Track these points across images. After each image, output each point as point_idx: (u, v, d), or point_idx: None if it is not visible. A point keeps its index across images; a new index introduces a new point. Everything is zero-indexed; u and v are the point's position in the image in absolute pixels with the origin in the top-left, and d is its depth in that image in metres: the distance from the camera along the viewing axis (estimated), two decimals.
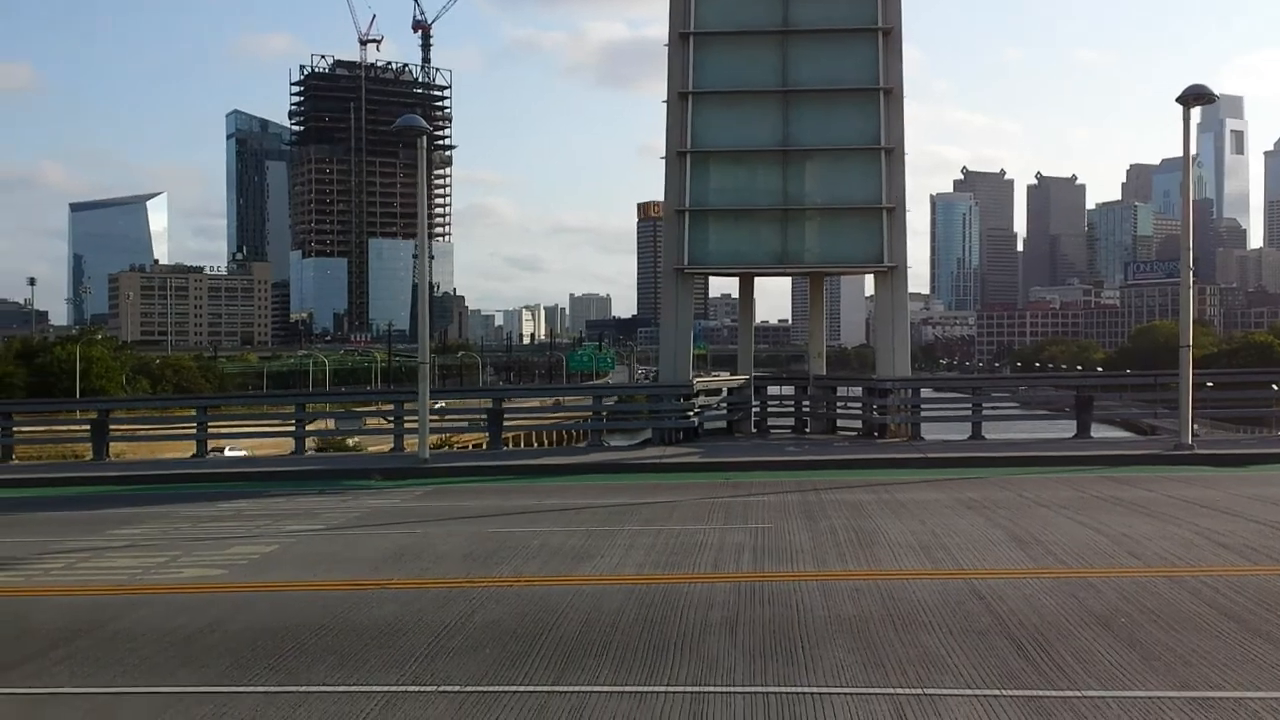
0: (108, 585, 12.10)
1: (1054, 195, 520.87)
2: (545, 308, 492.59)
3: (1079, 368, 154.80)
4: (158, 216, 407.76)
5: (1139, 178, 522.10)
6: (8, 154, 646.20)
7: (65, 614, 10.64)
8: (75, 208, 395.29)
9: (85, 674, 8.53)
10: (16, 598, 11.64)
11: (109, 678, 8.40)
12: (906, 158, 28.89)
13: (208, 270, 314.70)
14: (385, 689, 7.91)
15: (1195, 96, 22.40)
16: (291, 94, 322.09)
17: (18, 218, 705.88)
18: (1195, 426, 23.93)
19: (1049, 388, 40.62)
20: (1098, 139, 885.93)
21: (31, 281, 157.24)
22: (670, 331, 29.72)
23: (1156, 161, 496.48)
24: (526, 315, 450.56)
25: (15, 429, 28.91)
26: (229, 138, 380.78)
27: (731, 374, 35.24)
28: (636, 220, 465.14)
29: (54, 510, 19.43)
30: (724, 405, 30.61)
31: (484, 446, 31.69)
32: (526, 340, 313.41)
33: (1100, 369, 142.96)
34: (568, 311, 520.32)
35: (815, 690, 7.61)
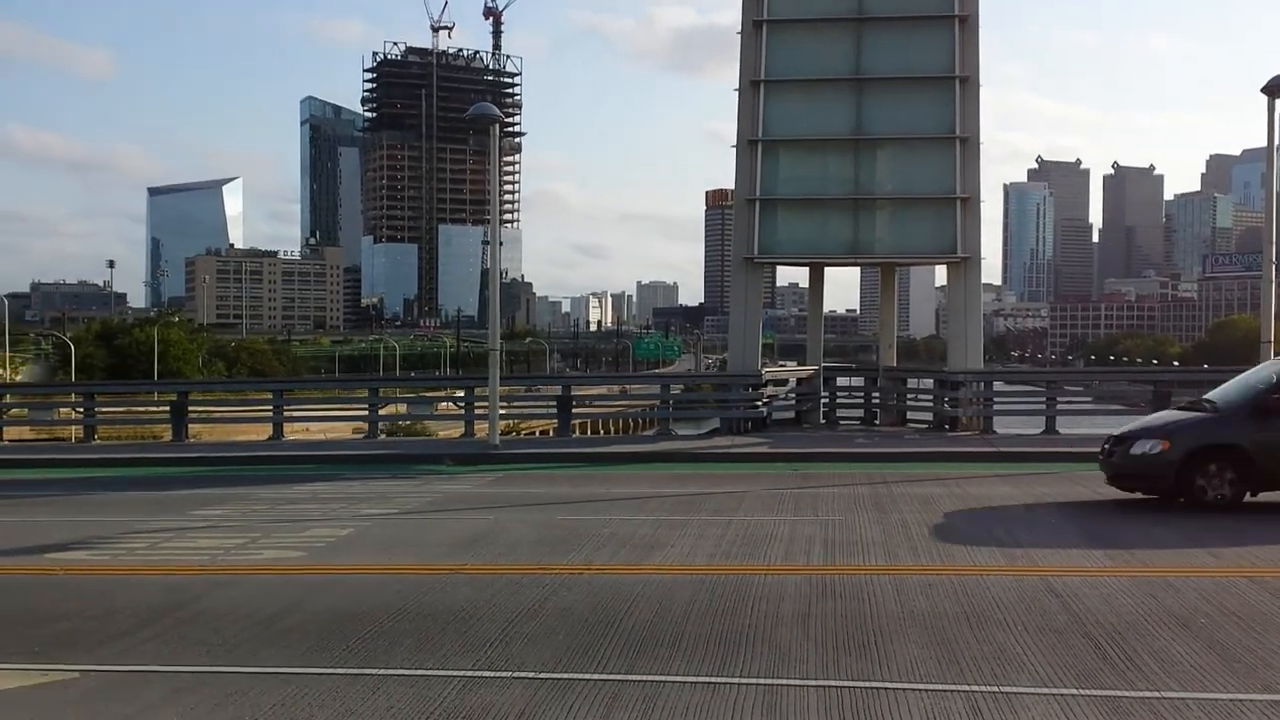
0: (190, 565, 12.38)
1: (1130, 185, 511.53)
2: (612, 295, 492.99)
3: (1154, 362, 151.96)
4: (233, 201, 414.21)
5: (1219, 168, 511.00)
6: (88, 139, 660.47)
7: (150, 593, 10.91)
8: (153, 192, 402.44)
9: (170, 653, 8.75)
10: (103, 576, 11.95)
11: (193, 657, 8.61)
12: (980, 147, 28.55)
13: (281, 255, 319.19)
14: (462, 673, 8.03)
15: None
16: (364, 80, 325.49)
17: (97, 201, 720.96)
18: None
19: (1124, 382, 39.93)
20: (1176, 128, 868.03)
21: (111, 264, 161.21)
22: (739, 321, 29.65)
23: (1237, 152, 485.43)
24: (593, 302, 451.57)
25: (98, 410, 29.58)
26: (303, 124, 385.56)
27: (799, 364, 35.09)
28: (704, 208, 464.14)
29: (136, 490, 19.87)
30: (792, 395, 30.49)
31: (552, 433, 31.90)
32: (593, 327, 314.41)
33: (1176, 363, 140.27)
34: (634, 299, 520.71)
35: (889, 685, 7.61)
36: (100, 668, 8.36)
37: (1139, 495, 15.78)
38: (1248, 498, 15.00)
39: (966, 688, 7.53)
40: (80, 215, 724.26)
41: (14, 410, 32.75)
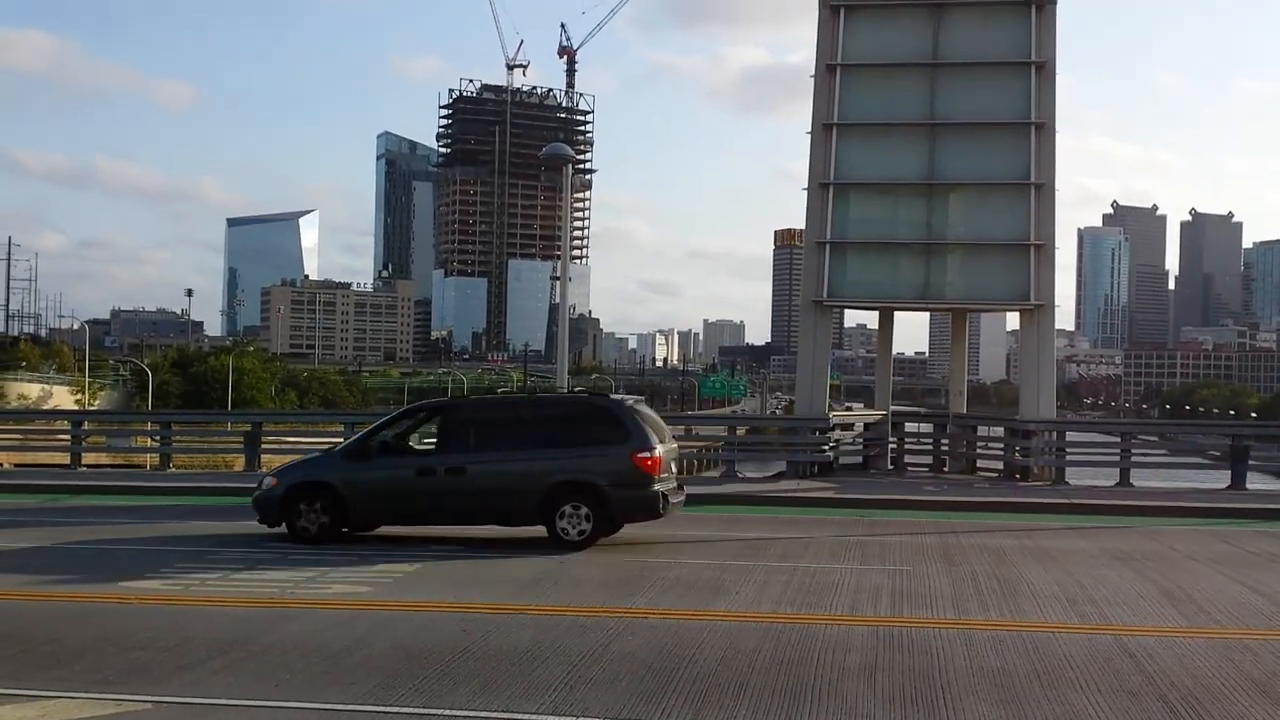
0: (260, 598, 12.53)
1: (1209, 232, 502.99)
2: (679, 332, 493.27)
3: (1231, 412, 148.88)
4: (309, 233, 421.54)
5: None
6: (170, 170, 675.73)
7: (220, 625, 11.06)
8: (231, 223, 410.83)
9: (240, 685, 8.85)
10: (175, 606, 12.12)
11: (263, 691, 8.70)
12: (1056, 192, 28.28)
13: (355, 286, 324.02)
14: (527, 716, 8.03)
15: None
16: (440, 116, 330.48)
17: (177, 230, 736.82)
18: None
19: (1209, 434, 39.11)
20: (1257, 173, 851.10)
21: (189, 293, 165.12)
22: (807, 364, 29.53)
23: None
24: (660, 339, 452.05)
25: (174, 438, 30.13)
26: (379, 158, 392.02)
27: (866, 406, 34.84)
28: (773, 247, 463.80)
29: (208, 520, 20.16)
30: (860, 440, 30.27)
31: None
32: (659, 364, 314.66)
33: (1254, 415, 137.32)
34: (701, 337, 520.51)
35: None
36: (171, 699, 8.47)
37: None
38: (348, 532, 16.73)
39: None
40: (161, 244, 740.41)
41: (92, 437, 33.44)
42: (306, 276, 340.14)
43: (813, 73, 29.29)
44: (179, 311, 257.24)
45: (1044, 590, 13.16)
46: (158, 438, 30.28)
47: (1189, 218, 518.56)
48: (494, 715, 8.08)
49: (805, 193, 29.23)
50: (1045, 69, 27.94)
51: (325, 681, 8.98)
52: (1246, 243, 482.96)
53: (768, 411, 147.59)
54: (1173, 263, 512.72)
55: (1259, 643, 10.52)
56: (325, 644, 10.21)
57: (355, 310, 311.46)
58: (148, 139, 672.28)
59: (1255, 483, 27.16)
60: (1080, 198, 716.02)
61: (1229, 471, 25.69)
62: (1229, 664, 9.69)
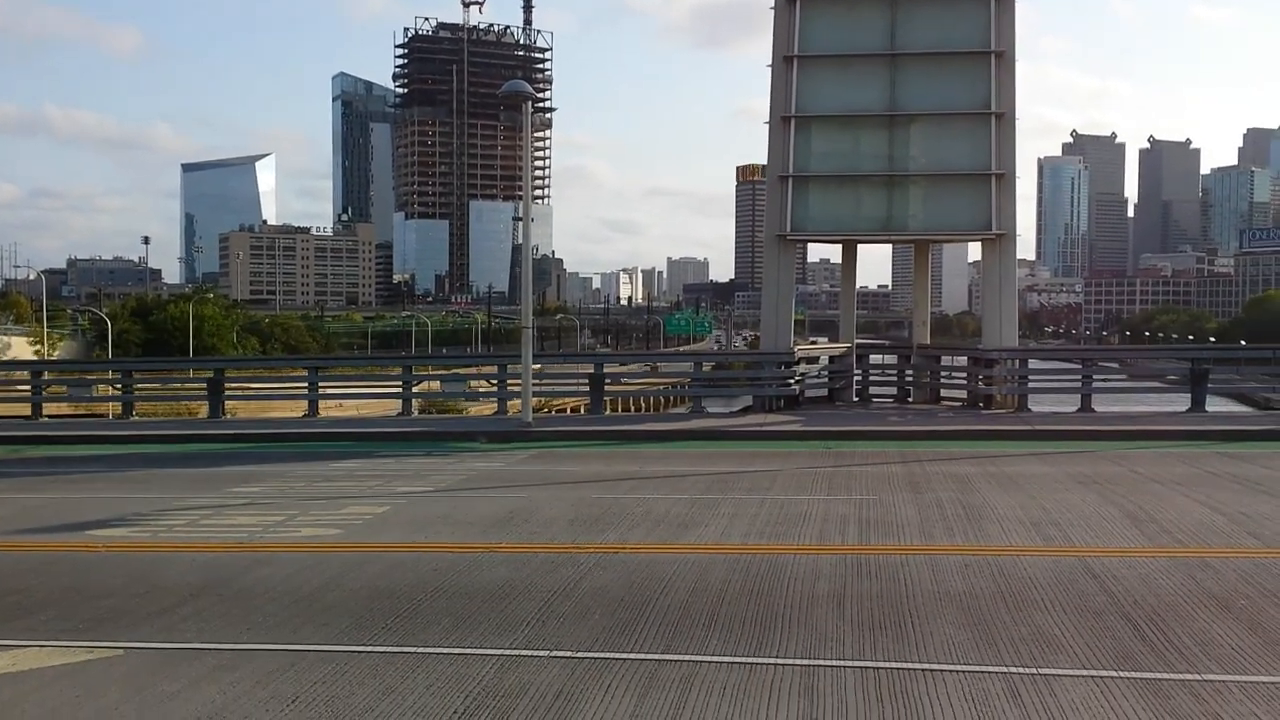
0: (229, 543, 12.50)
1: (1167, 160, 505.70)
2: (643, 271, 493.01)
3: (1190, 338, 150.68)
4: (265, 177, 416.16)
5: (1256, 142, 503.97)
6: (121, 116, 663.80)
7: (190, 570, 11.03)
8: (187, 168, 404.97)
9: (212, 630, 8.85)
10: (144, 553, 12.08)
11: (235, 634, 8.71)
12: (1015, 122, 28.27)
13: (314, 231, 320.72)
14: (499, 652, 8.07)
15: None
16: (396, 56, 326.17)
17: (131, 177, 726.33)
18: None
19: (1168, 359, 39.57)
20: (1213, 101, 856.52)
21: (146, 241, 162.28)
22: (771, 299, 29.55)
23: (1276, 125, 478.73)
24: (624, 278, 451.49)
25: (136, 386, 29.87)
26: (334, 100, 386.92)
27: (831, 340, 34.98)
28: (735, 183, 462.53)
29: (175, 467, 20.07)
30: (825, 373, 30.42)
31: (584, 410, 31.96)
32: (624, 303, 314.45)
33: (1213, 339, 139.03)
34: (665, 275, 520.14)
35: (927, 667, 7.59)
36: (143, 645, 8.46)
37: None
38: None
39: (1005, 669, 7.51)
40: (116, 192, 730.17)
41: (53, 387, 33.09)
42: (265, 221, 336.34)
43: (772, 5, 29.03)
44: (136, 260, 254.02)
45: (1008, 515, 13.33)
46: (119, 386, 29.99)
47: (1147, 145, 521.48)
48: (467, 651, 8.11)
49: (767, 128, 29.10)
50: None
51: (298, 623, 8.99)
52: (1204, 169, 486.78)
53: (733, 346, 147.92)
54: (1132, 190, 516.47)
55: (1220, 560, 10.71)
56: (296, 587, 10.21)
57: (315, 255, 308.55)
58: (97, 86, 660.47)
59: (1214, 405, 27.56)
60: (1040, 128, 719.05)
61: (1188, 395, 26.04)
62: (1191, 582, 9.86)
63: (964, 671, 7.49)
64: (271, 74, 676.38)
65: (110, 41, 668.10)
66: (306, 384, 28.82)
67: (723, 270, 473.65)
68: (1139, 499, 14.37)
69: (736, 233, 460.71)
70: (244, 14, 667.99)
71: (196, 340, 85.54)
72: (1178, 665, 7.57)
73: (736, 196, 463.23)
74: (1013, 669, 7.52)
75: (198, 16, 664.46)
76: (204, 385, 29.36)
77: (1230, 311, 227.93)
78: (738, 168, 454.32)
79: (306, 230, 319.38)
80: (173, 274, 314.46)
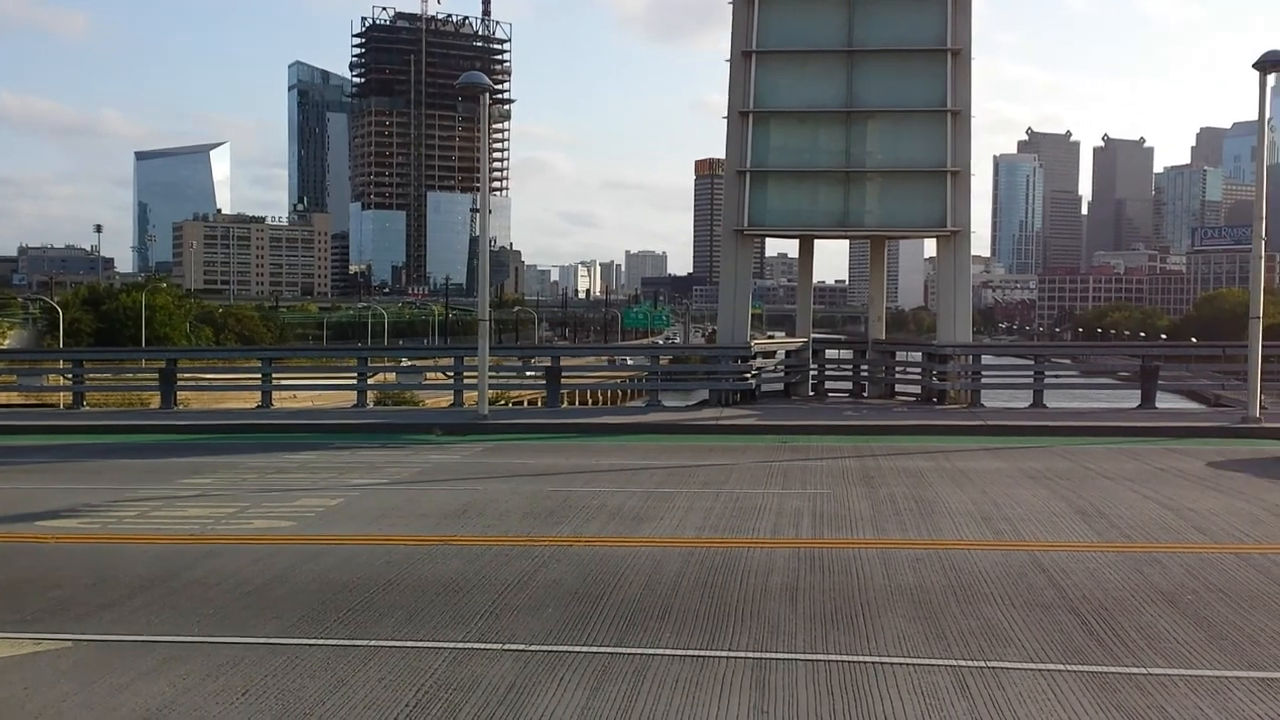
0: (180, 535, 12.39)
1: (1121, 158, 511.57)
2: (601, 264, 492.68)
3: (1142, 334, 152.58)
4: (220, 166, 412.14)
5: (1209, 141, 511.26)
6: (70, 101, 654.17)
7: (141, 562, 10.92)
8: (140, 156, 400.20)
9: (162, 622, 8.77)
10: (93, 544, 11.95)
11: (184, 626, 8.63)
12: (971, 119, 28.50)
13: (269, 220, 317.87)
14: (452, 645, 8.06)
15: (1273, 63, 21.84)
16: (353, 46, 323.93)
17: (82, 164, 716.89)
18: (1263, 398, 23.57)
19: (1119, 356, 40.10)
20: (1167, 99, 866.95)
21: (98, 229, 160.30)
22: (729, 293, 29.63)
23: (1228, 125, 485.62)
24: (582, 271, 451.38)
25: (87, 376, 29.50)
26: (291, 89, 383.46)
27: (788, 335, 35.12)
28: (694, 177, 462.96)
29: (125, 458, 19.85)
30: (781, 367, 30.55)
31: (540, 403, 31.92)
32: (582, 296, 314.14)
33: (1164, 336, 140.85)
34: (623, 268, 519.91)
35: (877, 660, 7.66)
36: (92, 637, 8.37)
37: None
38: None
39: (954, 662, 7.59)
40: (67, 179, 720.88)
41: (3, 376, 32.64)
42: (219, 210, 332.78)
43: (730, 0, 29.08)
44: (89, 248, 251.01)
45: (960, 510, 13.46)
46: (70, 376, 29.59)
47: (1101, 144, 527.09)
48: (420, 645, 8.09)
49: (725, 121, 29.17)
50: None
51: (248, 616, 8.93)
52: (1157, 168, 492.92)
53: (691, 341, 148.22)
54: (1086, 188, 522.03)
55: (1167, 555, 10.86)
56: (248, 579, 10.14)
57: (271, 244, 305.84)
58: (44, 71, 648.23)
59: (1165, 402, 27.94)
60: (995, 124, 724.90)
61: (1139, 391, 26.39)
62: (1139, 576, 10.00)
63: (914, 664, 7.56)
64: (225, 62, 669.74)
65: (57, 25, 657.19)
66: (260, 375, 28.57)
67: (681, 264, 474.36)
68: (1088, 494, 14.55)
69: (695, 226, 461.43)
70: (195, 1, 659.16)
71: (149, 330, 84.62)
72: (1124, 659, 7.68)
73: (695, 190, 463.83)
74: (962, 662, 7.60)
75: (147, 1, 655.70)
76: (156, 376, 29.06)
77: (1182, 309, 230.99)
78: (696, 161, 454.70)
79: (262, 220, 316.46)
80: (125, 263, 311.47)
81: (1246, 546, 11.30)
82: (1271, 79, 22.77)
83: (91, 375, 30.26)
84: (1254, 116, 23.78)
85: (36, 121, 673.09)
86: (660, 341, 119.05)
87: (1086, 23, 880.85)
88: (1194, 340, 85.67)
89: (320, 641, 8.20)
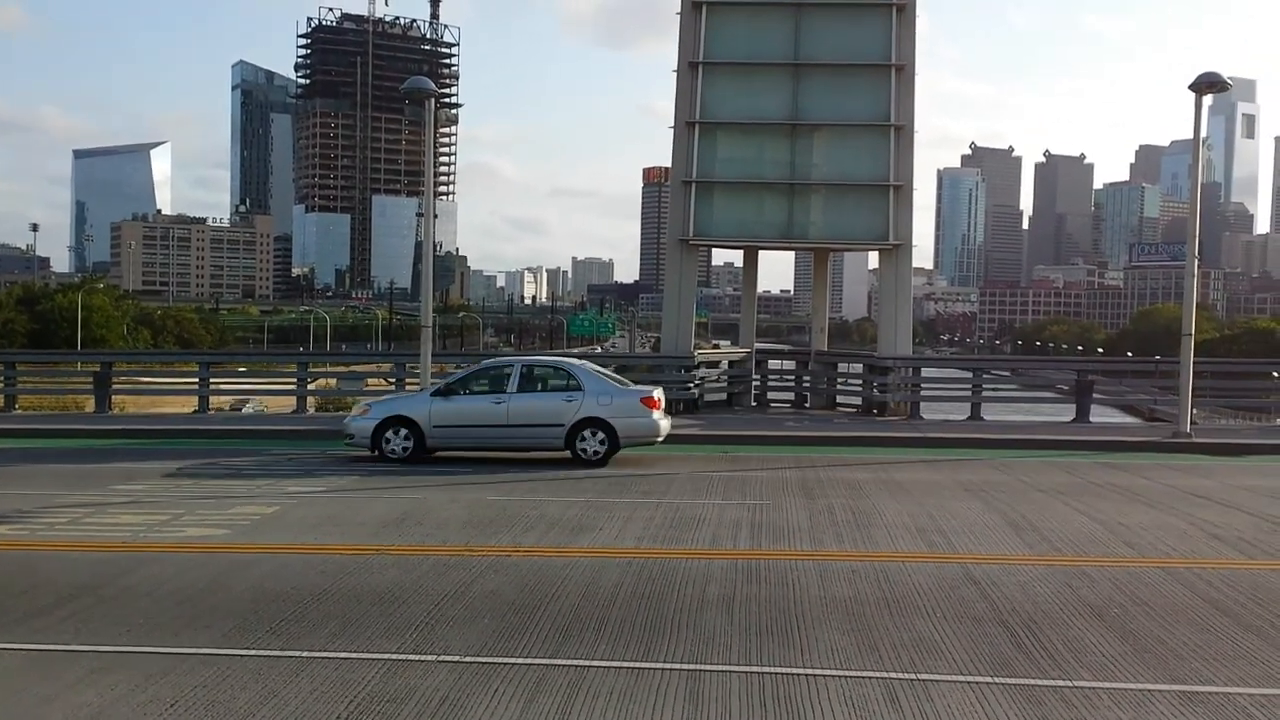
0: (111, 542, 12.21)
1: (1062, 173, 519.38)
2: (547, 270, 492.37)
3: (1080, 348, 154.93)
4: (161, 165, 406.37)
5: (1148, 158, 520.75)
6: (5, 97, 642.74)
7: (70, 570, 10.75)
8: (79, 154, 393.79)
9: (90, 631, 8.65)
10: (22, 551, 11.74)
11: (113, 636, 8.52)
12: (915, 134, 28.83)
13: (210, 222, 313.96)
14: (385, 657, 8.02)
15: (1208, 84, 22.30)
16: (298, 46, 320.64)
17: (17, 161, 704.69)
18: (1194, 414, 24.03)
19: (1052, 369, 40.67)
20: (1107, 116, 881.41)
21: (34, 228, 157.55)
22: (673, 302, 29.73)
23: (1166, 143, 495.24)
24: (528, 277, 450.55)
25: (20, 379, 28.97)
26: (234, 88, 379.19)
27: (733, 344, 35.24)
28: (642, 185, 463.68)
29: (57, 463, 19.53)
30: (724, 377, 30.67)
31: None
32: (528, 302, 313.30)
33: (1101, 350, 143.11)
34: (570, 275, 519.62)
35: (810, 672, 7.72)
36: (20, 646, 8.24)
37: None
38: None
39: (885, 675, 7.67)
40: (1, 176, 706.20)
41: None
42: (159, 211, 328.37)
43: (678, 10, 29.22)
44: (24, 247, 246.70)
45: (896, 522, 13.60)
46: (2, 378, 29.03)
47: (1043, 159, 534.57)
48: (352, 656, 8.04)
49: (671, 129, 29.28)
50: (905, 12, 28.38)
51: (179, 626, 8.83)
52: (1097, 184, 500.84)
53: (636, 349, 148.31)
54: (1027, 203, 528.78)
55: (1096, 569, 11.05)
56: (180, 588, 10.02)
57: (212, 246, 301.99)
58: None
59: (1102, 416, 28.40)
60: (939, 139, 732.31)
61: (1074, 405, 26.80)
62: (1068, 590, 10.16)
63: (845, 677, 7.63)
64: (167, 61, 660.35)
65: None
66: (198, 379, 28.21)
67: (628, 271, 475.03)
68: (1021, 507, 14.76)
69: (642, 234, 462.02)
70: None
71: (85, 331, 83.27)
72: (1051, 671, 7.80)
73: (643, 198, 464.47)
74: (893, 674, 7.69)
75: None
76: (91, 379, 28.60)
77: (1119, 323, 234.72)
78: (645, 169, 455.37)
79: (202, 221, 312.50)
80: (62, 263, 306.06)
81: (1173, 561, 11.52)
82: (1207, 100, 23.25)
83: (24, 378, 29.74)
84: (1190, 136, 24.25)
85: None
86: (599, 350, 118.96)
87: (1029, 38, 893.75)
88: (1129, 355, 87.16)
89: (252, 652, 8.12)
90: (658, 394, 20.11)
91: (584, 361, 21.93)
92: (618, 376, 21.61)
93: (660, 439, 20.06)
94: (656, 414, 19.79)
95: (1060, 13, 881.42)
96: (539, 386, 20.04)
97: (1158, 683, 7.60)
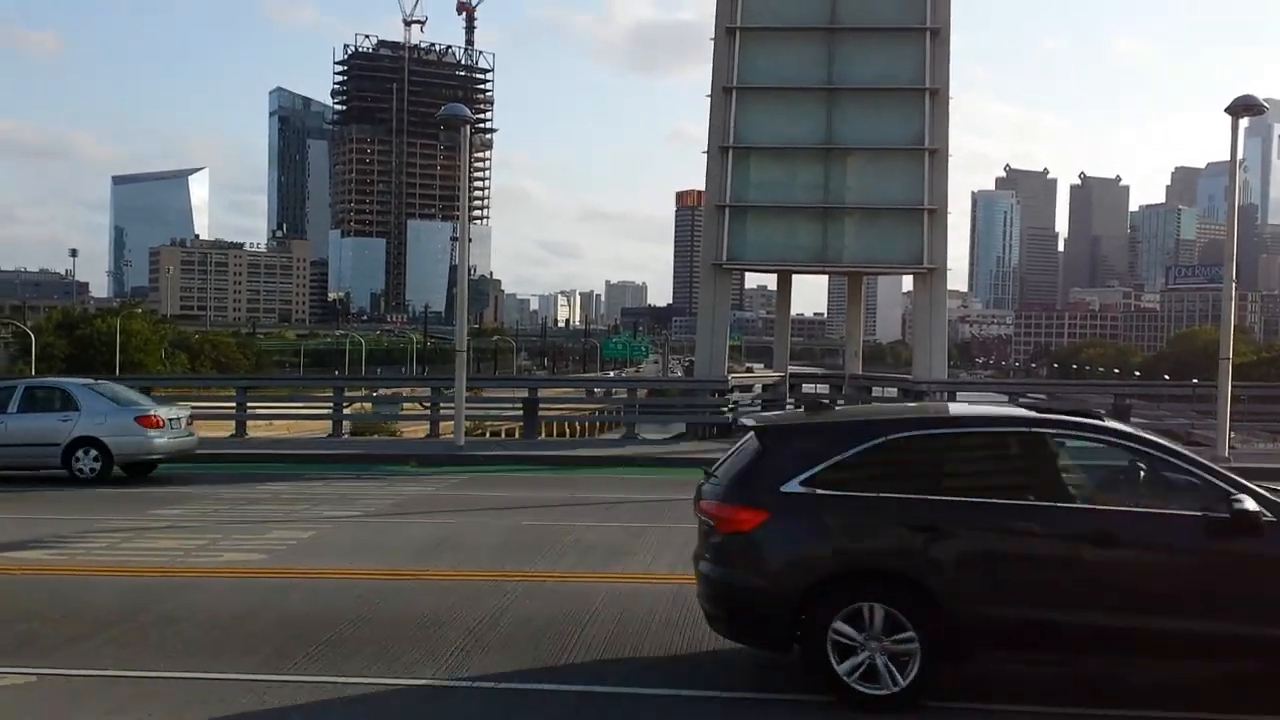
0: (149, 567, 12.29)
1: (1097, 196, 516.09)
2: (581, 294, 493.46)
3: (1116, 371, 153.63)
4: (199, 191, 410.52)
5: (1184, 180, 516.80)
6: (41, 123, 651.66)
7: (109, 595, 10.84)
8: (117, 180, 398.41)
9: (130, 657, 8.69)
10: (62, 577, 11.85)
11: (153, 662, 8.56)
12: (949, 157, 28.79)
13: (248, 246, 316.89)
14: (422, 683, 8.03)
15: (1244, 107, 22.18)
16: (335, 73, 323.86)
17: (54, 187, 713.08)
18: (1233, 437, 23.77)
19: (1094, 393, 40.34)
20: (1142, 138, 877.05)
21: (73, 253, 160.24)
22: (707, 326, 29.76)
23: (1202, 165, 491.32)
24: (562, 301, 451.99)
25: None
26: (272, 115, 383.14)
27: (767, 367, 35.21)
28: (674, 208, 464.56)
29: (95, 487, 19.70)
30: (758, 401, 30.62)
31: (518, 434, 31.86)
32: (562, 325, 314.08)
33: (1138, 373, 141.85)
34: (603, 298, 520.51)
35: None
36: (59, 671, 8.29)
37: None
38: None
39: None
40: (38, 202, 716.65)
41: None
42: (197, 236, 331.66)
43: (712, 35, 29.35)
44: (63, 272, 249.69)
45: None
46: None
47: (1078, 181, 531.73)
48: (389, 682, 8.06)
49: (705, 155, 29.38)
50: (939, 35, 28.41)
51: (217, 651, 8.87)
52: (1133, 206, 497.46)
53: (669, 374, 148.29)
54: (1062, 225, 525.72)
55: None
56: (217, 613, 10.08)
57: (249, 271, 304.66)
58: (10, 92, 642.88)
59: None
60: (973, 161, 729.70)
61: None
62: None
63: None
64: (204, 87, 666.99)
65: (26, 46, 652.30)
66: (235, 403, 28.44)
67: (661, 295, 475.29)
68: None
69: (675, 257, 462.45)
70: (168, 23, 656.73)
71: (124, 355, 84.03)
72: None
73: (675, 221, 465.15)
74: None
75: (117, 23, 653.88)
76: None
77: (1155, 346, 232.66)
78: (677, 193, 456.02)
79: (240, 245, 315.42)
80: (101, 288, 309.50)
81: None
82: (1244, 122, 23.12)
83: None
84: (1227, 158, 24.08)
85: (4, 143, 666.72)
86: (623, 375, 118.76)
87: (1063, 61, 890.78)
88: (1166, 378, 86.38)
89: (289, 678, 8.14)
90: (156, 413, 20.88)
91: (99, 382, 22.48)
92: (137, 396, 22.17)
93: (157, 456, 20.90)
94: (153, 432, 20.49)
95: (1093, 36, 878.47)
96: (38, 408, 20.63)
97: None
